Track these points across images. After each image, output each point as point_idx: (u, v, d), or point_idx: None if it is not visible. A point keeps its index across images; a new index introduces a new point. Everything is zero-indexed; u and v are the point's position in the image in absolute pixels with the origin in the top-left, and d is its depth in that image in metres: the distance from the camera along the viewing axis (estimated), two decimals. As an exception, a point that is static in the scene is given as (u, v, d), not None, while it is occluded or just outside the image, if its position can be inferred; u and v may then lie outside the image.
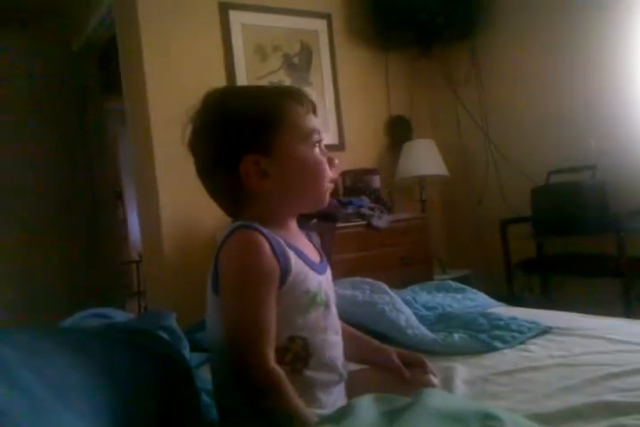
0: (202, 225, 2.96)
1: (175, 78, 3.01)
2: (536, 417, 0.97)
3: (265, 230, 0.90)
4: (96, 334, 0.98)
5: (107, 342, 0.92)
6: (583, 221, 2.73)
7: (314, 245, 1.06)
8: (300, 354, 0.92)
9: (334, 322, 1.01)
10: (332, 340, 0.98)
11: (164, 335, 1.15)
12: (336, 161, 1.01)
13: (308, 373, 0.93)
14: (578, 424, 0.95)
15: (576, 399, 1.04)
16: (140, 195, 3.30)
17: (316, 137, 0.97)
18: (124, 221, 6.47)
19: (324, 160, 0.98)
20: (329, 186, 0.99)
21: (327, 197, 1.00)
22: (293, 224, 1.01)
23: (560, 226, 2.82)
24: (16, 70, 3.73)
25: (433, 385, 1.07)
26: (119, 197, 4.57)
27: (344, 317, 1.46)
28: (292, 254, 0.92)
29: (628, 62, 2.89)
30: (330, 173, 0.98)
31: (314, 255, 1.01)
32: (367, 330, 1.51)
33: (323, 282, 0.98)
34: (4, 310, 3.34)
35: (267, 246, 0.88)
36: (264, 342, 0.84)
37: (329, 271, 1.04)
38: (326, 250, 2.75)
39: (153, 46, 2.97)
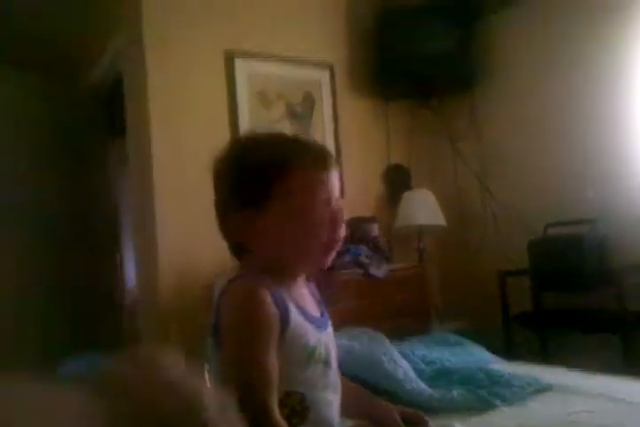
0: (200, 270, 2.93)
1: (178, 123, 3.05)
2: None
3: (265, 281, 0.89)
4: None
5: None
6: (582, 275, 2.71)
7: (316, 300, 1.05)
8: (296, 409, 0.89)
9: (334, 380, 0.99)
10: (330, 398, 0.96)
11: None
12: (343, 220, 0.97)
13: None
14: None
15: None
16: (136, 238, 3.29)
17: (323, 194, 0.94)
18: (121, 267, 6.42)
19: (322, 221, 0.94)
20: (330, 247, 0.95)
21: (325, 259, 0.96)
22: (298, 276, 1.00)
23: (558, 280, 2.80)
24: (20, 110, 3.76)
25: None
26: (117, 240, 4.54)
27: (340, 367, 1.43)
28: (292, 307, 0.91)
29: (629, 114, 2.93)
30: (339, 232, 0.96)
31: (314, 310, 1.00)
32: (363, 382, 1.48)
33: (323, 338, 0.96)
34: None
35: (268, 296, 0.87)
36: (268, 393, 0.83)
37: (330, 327, 1.03)
38: (325, 299, 2.75)
39: (158, 92, 3.01)
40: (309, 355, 0.92)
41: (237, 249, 0.99)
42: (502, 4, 3.50)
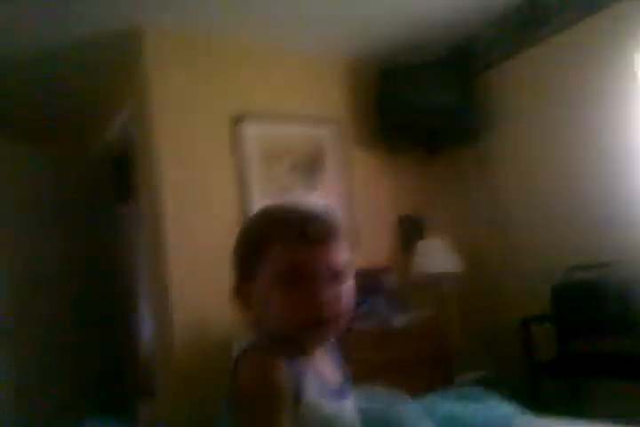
0: (215, 329, 2.92)
1: (187, 185, 3.08)
2: None
3: (277, 351, 0.87)
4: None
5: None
6: (608, 321, 2.63)
7: (337, 367, 1.01)
8: None
9: None
10: None
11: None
12: (323, 298, 0.88)
13: None
14: None
15: None
16: (151, 297, 3.28)
17: (294, 274, 0.88)
18: (138, 323, 6.41)
19: (295, 303, 0.88)
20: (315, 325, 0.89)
21: (309, 338, 0.91)
22: (308, 348, 0.95)
23: (585, 326, 2.72)
24: (31, 178, 3.82)
25: None
26: (132, 300, 4.54)
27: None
28: (308, 378, 0.88)
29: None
30: (306, 317, 0.88)
31: (334, 378, 0.96)
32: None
33: (343, 407, 0.92)
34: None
35: (282, 368, 0.84)
36: None
37: (352, 396, 0.98)
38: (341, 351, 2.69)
39: (167, 157, 3.06)
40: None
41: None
42: (500, 58, 3.56)
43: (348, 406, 0.95)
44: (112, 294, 4.07)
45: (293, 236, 0.89)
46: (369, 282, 3.27)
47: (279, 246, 0.89)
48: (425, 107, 3.48)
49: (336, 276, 0.91)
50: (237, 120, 3.30)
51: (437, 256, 3.40)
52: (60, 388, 3.44)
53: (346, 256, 0.94)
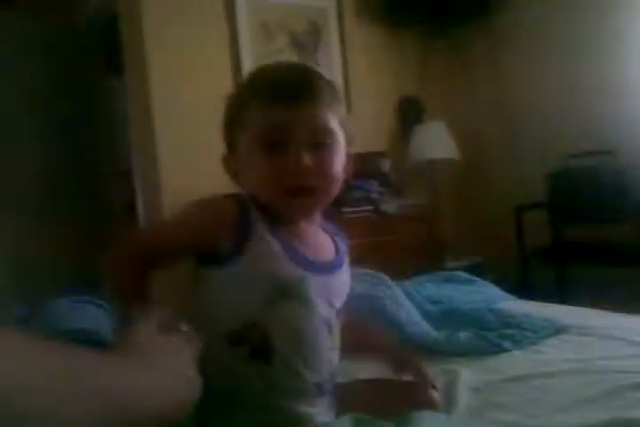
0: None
1: (177, 56, 2.91)
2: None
3: (251, 206, 0.85)
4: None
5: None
6: (602, 207, 2.58)
7: (334, 248, 0.95)
8: (257, 346, 0.81)
9: (319, 328, 0.87)
10: (313, 348, 0.86)
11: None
12: (303, 163, 0.82)
13: (272, 374, 0.81)
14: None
15: (593, 415, 0.91)
16: (142, 175, 3.20)
17: (269, 138, 0.82)
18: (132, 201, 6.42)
19: (271, 166, 0.82)
20: (289, 189, 0.83)
21: (291, 201, 0.85)
22: (291, 218, 0.90)
23: (578, 213, 2.67)
24: (19, 51, 3.61)
25: (434, 406, 0.92)
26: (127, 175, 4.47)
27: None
28: (268, 237, 0.83)
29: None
30: (284, 179, 0.82)
31: (317, 253, 0.90)
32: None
33: (310, 280, 0.86)
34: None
35: (227, 215, 0.83)
36: (146, 248, 0.84)
37: (339, 275, 0.93)
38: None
39: (155, 25, 2.87)
40: (279, 290, 0.83)
41: None
42: None
43: (327, 284, 0.89)
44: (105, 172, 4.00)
45: (269, 95, 0.83)
46: (363, 166, 3.18)
47: (255, 108, 0.83)
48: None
49: (321, 141, 0.84)
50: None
51: (435, 141, 3.27)
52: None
53: (333, 121, 0.85)
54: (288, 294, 0.83)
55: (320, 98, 0.84)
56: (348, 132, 0.90)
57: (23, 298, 1.33)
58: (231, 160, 0.90)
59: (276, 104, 0.82)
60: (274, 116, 0.82)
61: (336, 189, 0.89)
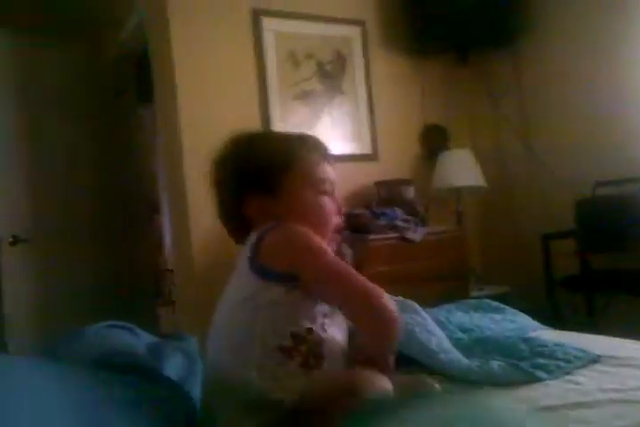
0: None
1: (206, 87, 2.98)
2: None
3: None
4: (95, 374, 0.94)
5: (107, 384, 0.91)
6: (632, 236, 2.54)
7: None
8: (313, 350, 0.96)
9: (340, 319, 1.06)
10: (343, 349, 1.03)
11: (174, 367, 1.15)
12: (341, 209, 1.15)
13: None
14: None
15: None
16: (171, 204, 3.25)
17: (325, 186, 1.10)
18: (160, 230, 6.48)
19: (330, 208, 1.11)
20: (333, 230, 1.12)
21: (329, 238, 1.10)
22: None
23: (607, 241, 2.64)
24: (51, 79, 3.70)
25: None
26: (155, 206, 4.50)
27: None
28: None
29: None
30: (335, 220, 1.12)
31: None
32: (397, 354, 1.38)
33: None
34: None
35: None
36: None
37: None
38: (359, 262, 2.66)
39: (184, 55, 2.94)
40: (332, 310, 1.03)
41: (242, 225, 1.12)
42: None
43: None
44: (132, 198, 4.03)
45: (322, 155, 1.14)
46: (389, 194, 3.19)
47: (313, 161, 1.11)
48: (460, 4, 3.22)
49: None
50: (258, 14, 3.14)
51: (460, 169, 3.28)
52: (79, 296, 3.46)
53: None
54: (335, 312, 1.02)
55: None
56: None
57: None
58: (265, 200, 1.07)
59: (327, 163, 1.13)
60: (331, 172, 1.13)
61: None
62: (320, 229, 1.06)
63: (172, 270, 5.13)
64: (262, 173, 1.08)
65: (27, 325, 3.21)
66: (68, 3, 3.79)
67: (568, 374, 1.27)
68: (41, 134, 3.48)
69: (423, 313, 1.50)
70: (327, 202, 1.10)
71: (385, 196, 3.20)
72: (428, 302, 1.84)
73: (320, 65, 3.35)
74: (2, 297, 3.21)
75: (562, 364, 1.28)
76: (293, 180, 1.07)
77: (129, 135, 4.04)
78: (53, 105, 3.57)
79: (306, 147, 1.11)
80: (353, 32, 3.46)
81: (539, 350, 1.35)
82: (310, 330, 0.96)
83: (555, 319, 2.58)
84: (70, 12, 3.86)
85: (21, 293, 3.25)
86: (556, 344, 1.39)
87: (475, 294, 2.96)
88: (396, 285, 2.49)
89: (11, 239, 3.19)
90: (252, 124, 3.08)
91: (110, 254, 3.70)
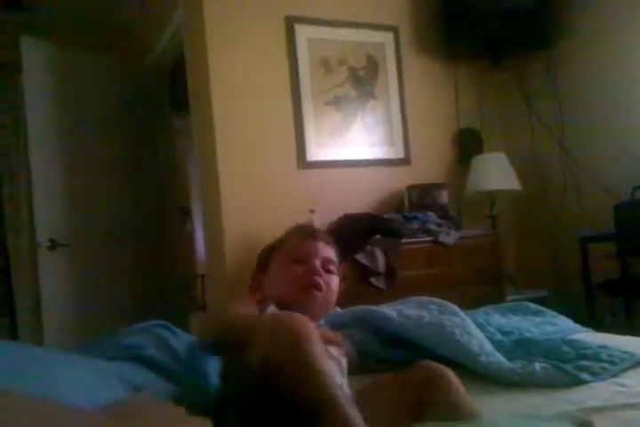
0: (264, 241, 2.90)
1: (240, 94, 3.01)
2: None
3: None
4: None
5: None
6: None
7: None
8: None
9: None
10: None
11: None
12: (316, 268, 1.25)
13: None
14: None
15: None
16: (204, 211, 3.28)
17: (301, 256, 1.27)
18: (192, 237, 6.54)
19: (299, 271, 1.25)
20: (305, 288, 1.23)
21: (305, 293, 1.23)
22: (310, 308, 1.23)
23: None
24: (89, 89, 3.77)
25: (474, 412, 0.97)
26: (186, 212, 4.56)
27: (409, 337, 1.34)
28: None
29: None
30: (305, 280, 1.24)
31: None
32: (434, 354, 1.38)
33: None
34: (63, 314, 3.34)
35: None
36: None
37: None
38: (391, 267, 2.66)
39: (219, 63, 2.98)
40: None
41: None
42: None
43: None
44: (167, 208, 4.08)
45: (305, 233, 1.34)
46: (421, 198, 3.18)
47: (294, 239, 1.32)
48: (495, 8, 3.21)
49: (326, 266, 1.28)
50: (291, 21, 3.17)
51: (494, 172, 3.26)
52: (114, 300, 3.51)
53: (332, 253, 1.33)
54: None
55: (329, 241, 1.34)
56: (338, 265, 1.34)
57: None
58: (259, 276, 1.33)
59: (306, 238, 1.31)
60: (304, 244, 1.29)
61: (331, 301, 1.29)
62: (288, 289, 1.23)
63: (203, 276, 5.18)
64: (263, 256, 1.36)
65: (63, 329, 3.26)
66: (107, 16, 3.86)
67: (614, 376, 1.26)
68: (80, 142, 3.54)
69: (462, 315, 1.49)
70: (298, 267, 1.25)
71: (417, 200, 3.19)
72: (463, 306, 1.83)
73: (353, 70, 3.37)
74: (39, 302, 3.27)
75: (607, 366, 1.27)
76: (277, 255, 1.31)
77: (165, 143, 4.11)
78: (91, 113, 3.63)
79: (295, 230, 1.36)
80: (386, 37, 3.46)
81: (582, 353, 1.33)
82: None
83: (594, 323, 2.53)
84: (109, 23, 3.95)
85: (58, 297, 3.30)
86: (600, 346, 1.37)
87: (510, 298, 2.93)
88: (430, 288, 2.51)
89: (49, 244, 3.24)
90: (286, 129, 3.11)
91: (145, 259, 3.75)
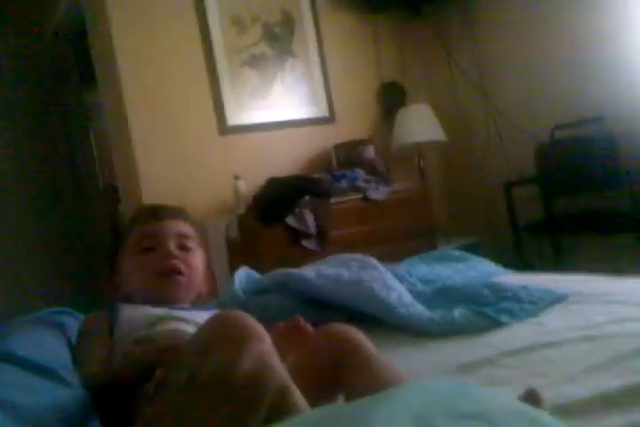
0: (190, 210, 2.79)
1: (149, 61, 2.84)
2: (557, 408, 0.78)
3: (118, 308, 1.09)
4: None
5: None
6: (593, 177, 2.52)
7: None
8: None
9: None
10: None
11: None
12: (169, 252, 1.12)
13: None
14: (613, 416, 0.74)
15: (606, 383, 0.84)
16: (122, 189, 3.13)
17: (143, 243, 1.13)
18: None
19: (145, 258, 1.11)
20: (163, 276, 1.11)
21: (163, 280, 1.11)
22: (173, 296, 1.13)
23: (569, 184, 2.62)
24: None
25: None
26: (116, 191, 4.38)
27: (328, 297, 1.28)
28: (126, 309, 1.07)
29: (629, 3, 2.65)
30: (156, 266, 1.10)
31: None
32: (355, 311, 1.33)
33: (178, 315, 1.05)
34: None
35: (92, 316, 1.12)
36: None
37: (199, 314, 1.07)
38: (322, 228, 2.60)
39: (123, 28, 2.79)
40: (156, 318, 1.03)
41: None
42: None
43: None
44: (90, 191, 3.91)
45: (145, 216, 1.18)
46: (348, 156, 3.12)
47: (134, 229, 1.16)
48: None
49: (183, 244, 1.15)
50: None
51: (420, 124, 3.21)
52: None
53: (188, 228, 1.18)
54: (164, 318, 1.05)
55: (177, 215, 1.19)
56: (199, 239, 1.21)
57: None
58: (113, 280, 1.18)
59: (151, 220, 1.16)
60: (146, 229, 1.14)
61: (199, 280, 1.17)
62: (147, 282, 1.10)
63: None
64: (111, 258, 1.21)
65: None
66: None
67: (534, 316, 1.23)
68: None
69: (382, 268, 1.44)
70: (150, 256, 1.11)
71: (344, 158, 3.12)
72: (396, 260, 1.79)
73: (267, 27, 3.23)
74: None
75: (526, 306, 1.24)
76: (125, 251, 1.16)
77: (77, 121, 3.90)
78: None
79: (133, 217, 1.22)
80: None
81: (502, 295, 1.31)
82: None
83: (523, 265, 2.56)
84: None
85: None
86: (520, 287, 1.34)
87: (443, 247, 2.92)
88: (363, 245, 2.47)
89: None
90: (202, 95, 2.97)
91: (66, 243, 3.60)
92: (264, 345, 0.73)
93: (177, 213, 1.20)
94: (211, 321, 0.78)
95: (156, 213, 1.17)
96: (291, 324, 0.98)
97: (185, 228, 1.17)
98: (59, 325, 1.14)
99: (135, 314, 1.04)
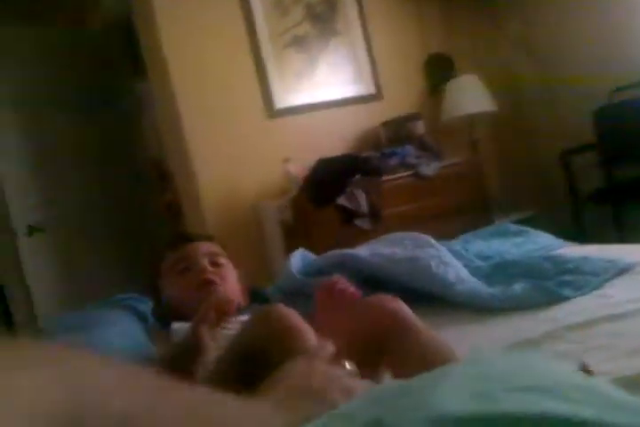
0: (242, 198, 2.85)
1: (195, 47, 2.86)
2: (621, 381, 0.76)
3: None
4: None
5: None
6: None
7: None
8: None
9: None
10: None
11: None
12: (201, 268, 1.24)
13: None
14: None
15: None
16: (176, 174, 3.17)
17: (180, 266, 1.26)
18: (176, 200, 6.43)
19: (183, 279, 1.24)
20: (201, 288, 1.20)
21: (201, 294, 1.17)
22: None
23: (631, 150, 2.50)
24: (41, 58, 3.59)
25: None
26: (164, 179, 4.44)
27: (384, 276, 1.28)
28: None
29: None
30: (193, 281, 1.22)
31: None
32: (410, 288, 1.32)
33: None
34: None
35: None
36: None
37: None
38: (374, 206, 2.59)
39: (169, 17, 2.81)
40: None
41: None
42: None
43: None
44: (143, 179, 3.97)
45: (175, 242, 1.33)
46: (397, 132, 3.08)
47: (169, 253, 1.30)
48: None
49: (214, 260, 1.27)
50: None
51: (469, 95, 3.14)
52: (103, 276, 3.45)
53: (214, 247, 1.32)
54: None
55: (204, 237, 1.36)
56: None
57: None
58: (160, 305, 1.34)
59: (177, 247, 1.30)
60: (179, 253, 1.28)
61: (235, 292, 1.26)
62: (189, 297, 1.20)
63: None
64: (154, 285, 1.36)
65: (56, 310, 3.22)
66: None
67: (598, 288, 1.20)
68: (44, 125, 3.40)
69: (438, 245, 1.42)
70: (187, 275, 1.24)
71: (393, 134, 3.09)
72: (451, 237, 1.77)
73: (309, 8, 3.19)
74: (28, 288, 3.22)
75: (590, 278, 1.20)
76: (164, 276, 1.30)
77: (131, 112, 3.96)
78: (46, 93, 3.47)
79: (166, 245, 1.35)
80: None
81: (564, 267, 1.27)
82: None
83: (583, 237, 2.48)
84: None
85: (45, 281, 3.25)
86: (582, 259, 1.30)
87: (498, 223, 2.87)
88: (417, 223, 2.44)
89: (26, 230, 3.17)
90: (248, 78, 2.98)
91: (124, 233, 3.68)
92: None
93: (203, 236, 1.38)
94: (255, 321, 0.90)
95: (185, 237, 1.36)
96: (335, 287, 1.08)
97: (213, 247, 1.32)
98: (133, 309, 1.39)
99: (183, 328, 1.13)
